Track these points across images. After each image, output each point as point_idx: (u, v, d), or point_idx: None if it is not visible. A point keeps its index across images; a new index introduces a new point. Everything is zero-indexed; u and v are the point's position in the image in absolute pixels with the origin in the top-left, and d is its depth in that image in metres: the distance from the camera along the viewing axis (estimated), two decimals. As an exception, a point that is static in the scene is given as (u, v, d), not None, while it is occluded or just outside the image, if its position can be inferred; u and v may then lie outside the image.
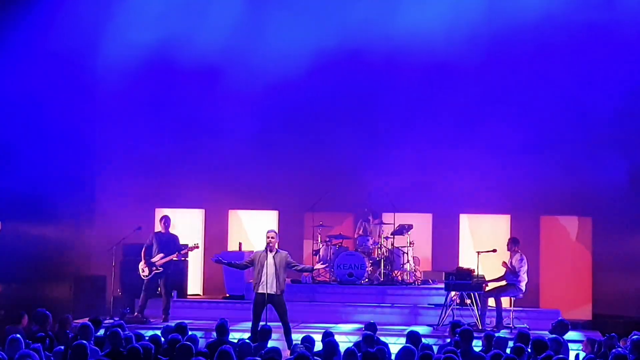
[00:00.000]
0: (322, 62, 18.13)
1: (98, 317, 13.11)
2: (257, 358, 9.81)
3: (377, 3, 18.31)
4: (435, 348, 11.24)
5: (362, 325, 13.78)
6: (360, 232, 18.06)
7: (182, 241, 16.31)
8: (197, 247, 16.52)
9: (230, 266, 14.39)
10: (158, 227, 16.29)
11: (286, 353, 11.94)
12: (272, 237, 13.67)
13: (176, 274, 17.35)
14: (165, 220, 16.02)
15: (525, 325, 15.21)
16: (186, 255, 17.15)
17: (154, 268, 15.58)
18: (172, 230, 16.20)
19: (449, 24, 17.77)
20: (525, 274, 15.43)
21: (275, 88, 18.29)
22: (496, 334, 11.75)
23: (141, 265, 15.66)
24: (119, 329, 10.87)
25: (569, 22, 17.44)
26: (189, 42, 18.14)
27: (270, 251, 13.57)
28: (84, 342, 9.85)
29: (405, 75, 18.26)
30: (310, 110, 18.37)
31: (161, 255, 15.62)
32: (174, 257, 15.78)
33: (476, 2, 18.00)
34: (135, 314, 15.59)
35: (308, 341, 10.89)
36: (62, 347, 10.31)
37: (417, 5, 17.85)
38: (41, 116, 16.86)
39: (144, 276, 15.65)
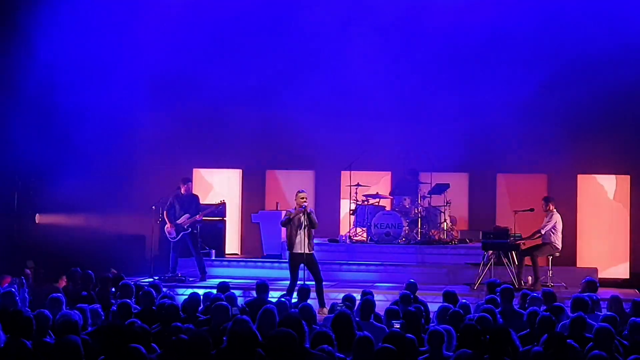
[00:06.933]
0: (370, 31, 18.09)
1: (120, 273, 13.32)
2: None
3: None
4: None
5: (399, 284, 13.89)
6: (397, 190, 18.06)
7: (218, 200, 16.64)
8: (223, 204, 16.57)
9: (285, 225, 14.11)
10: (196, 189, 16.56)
11: (318, 311, 12.03)
12: (304, 198, 13.82)
13: (214, 233, 17.60)
14: (185, 181, 16.13)
15: (562, 283, 15.25)
16: (222, 213, 17.42)
17: (182, 229, 15.70)
18: (196, 191, 16.47)
19: None
20: (560, 232, 15.41)
21: (310, 53, 18.32)
22: (533, 293, 11.75)
23: (167, 227, 15.78)
24: (153, 289, 10.97)
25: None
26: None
27: (303, 212, 13.70)
28: (128, 300, 10.01)
29: (444, 36, 18.09)
30: (346, 69, 18.29)
31: (187, 215, 15.72)
32: (198, 217, 15.83)
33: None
34: (170, 275, 15.74)
35: (349, 300, 10.86)
36: (99, 306, 10.09)
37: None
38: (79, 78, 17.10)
39: (171, 238, 15.77)
